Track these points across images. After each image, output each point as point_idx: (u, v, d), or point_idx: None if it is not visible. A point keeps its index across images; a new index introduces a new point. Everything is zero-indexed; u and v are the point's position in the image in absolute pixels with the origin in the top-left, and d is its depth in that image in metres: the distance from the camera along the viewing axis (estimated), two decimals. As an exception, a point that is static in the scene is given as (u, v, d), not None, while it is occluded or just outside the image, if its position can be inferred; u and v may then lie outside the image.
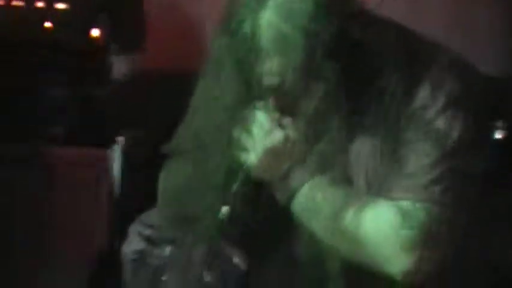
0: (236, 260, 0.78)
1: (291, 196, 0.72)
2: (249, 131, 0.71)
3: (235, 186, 0.71)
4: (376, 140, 0.71)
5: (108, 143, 1.49)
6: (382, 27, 0.73)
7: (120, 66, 1.78)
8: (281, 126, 0.71)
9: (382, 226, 0.69)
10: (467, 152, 0.70)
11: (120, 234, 0.98)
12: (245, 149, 0.71)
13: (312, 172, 0.72)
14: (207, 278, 0.76)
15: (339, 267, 0.72)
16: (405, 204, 0.68)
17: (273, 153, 0.70)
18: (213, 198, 0.73)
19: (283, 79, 0.66)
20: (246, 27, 0.65)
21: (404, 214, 0.68)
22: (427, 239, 0.67)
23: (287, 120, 0.71)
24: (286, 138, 0.71)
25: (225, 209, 0.70)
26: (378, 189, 0.71)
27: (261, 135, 0.70)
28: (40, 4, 1.73)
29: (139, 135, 1.50)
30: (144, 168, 1.39)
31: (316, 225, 0.71)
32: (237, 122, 0.71)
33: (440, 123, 0.69)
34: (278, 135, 0.71)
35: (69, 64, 1.72)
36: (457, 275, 0.78)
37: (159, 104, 1.66)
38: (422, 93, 0.70)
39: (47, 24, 1.73)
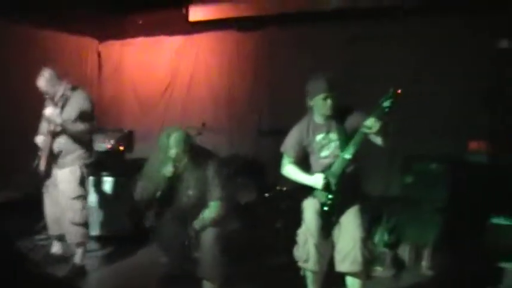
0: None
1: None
2: (166, 168, 3.22)
3: (162, 183, 3.26)
4: (198, 181, 3.26)
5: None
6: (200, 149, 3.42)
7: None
8: (175, 167, 3.22)
9: (208, 211, 3.24)
10: (228, 186, 3.41)
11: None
12: (164, 173, 3.23)
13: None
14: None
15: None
16: (213, 202, 3.27)
17: (171, 174, 3.25)
18: (155, 188, 3.27)
19: (175, 155, 3.19)
20: (165, 142, 3.19)
21: (213, 205, 3.26)
22: (219, 213, 3.24)
23: (177, 166, 3.23)
24: (175, 170, 3.24)
25: (160, 189, 3.26)
26: (203, 197, 3.28)
27: (168, 168, 3.22)
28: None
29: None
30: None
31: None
32: (163, 165, 3.24)
33: (217, 178, 3.28)
34: (172, 169, 3.23)
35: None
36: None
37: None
38: (208, 168, 3.30)
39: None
